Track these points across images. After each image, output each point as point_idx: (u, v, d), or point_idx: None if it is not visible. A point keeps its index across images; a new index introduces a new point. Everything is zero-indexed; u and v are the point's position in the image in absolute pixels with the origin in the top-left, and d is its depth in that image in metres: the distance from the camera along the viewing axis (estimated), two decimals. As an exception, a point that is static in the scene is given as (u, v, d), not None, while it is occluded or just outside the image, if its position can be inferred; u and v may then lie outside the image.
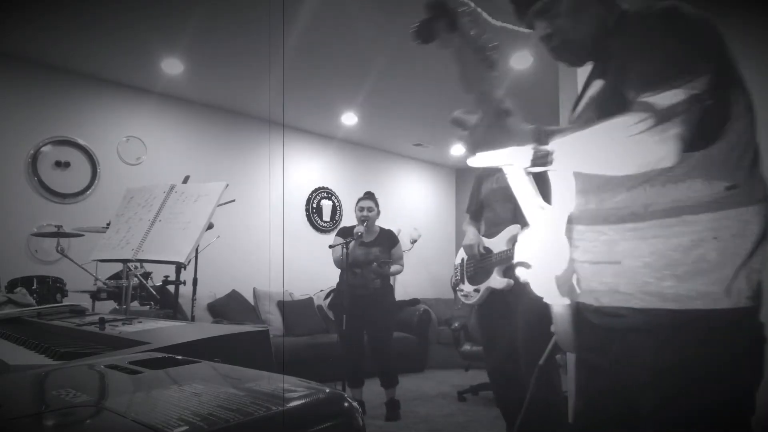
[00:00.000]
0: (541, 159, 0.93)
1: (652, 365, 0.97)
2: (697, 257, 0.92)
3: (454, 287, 2.93)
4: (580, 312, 1.13)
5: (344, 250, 3.62)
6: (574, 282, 1.12)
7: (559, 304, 1.15)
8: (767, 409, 1.02)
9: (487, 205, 2.78)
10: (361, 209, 3.84)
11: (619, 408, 1.06)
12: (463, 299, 2.82)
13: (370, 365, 3.86)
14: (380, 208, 3.92)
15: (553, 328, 1.20)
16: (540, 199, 1.16)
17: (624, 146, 0.90)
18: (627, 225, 1.00)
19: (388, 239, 3.93)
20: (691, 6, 0.97)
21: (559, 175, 1.16)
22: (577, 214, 1.10)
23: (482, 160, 0.95)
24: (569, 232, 1.12)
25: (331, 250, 3.84)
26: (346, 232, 3.80)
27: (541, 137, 0.93)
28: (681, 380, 0.94)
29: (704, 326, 0.93)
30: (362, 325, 3.76)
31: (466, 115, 0.98)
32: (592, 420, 1.13)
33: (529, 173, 1.04)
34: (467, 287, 2.79)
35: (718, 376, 0.93)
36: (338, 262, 3.77)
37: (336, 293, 4.00)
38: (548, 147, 0.92)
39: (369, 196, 3.91)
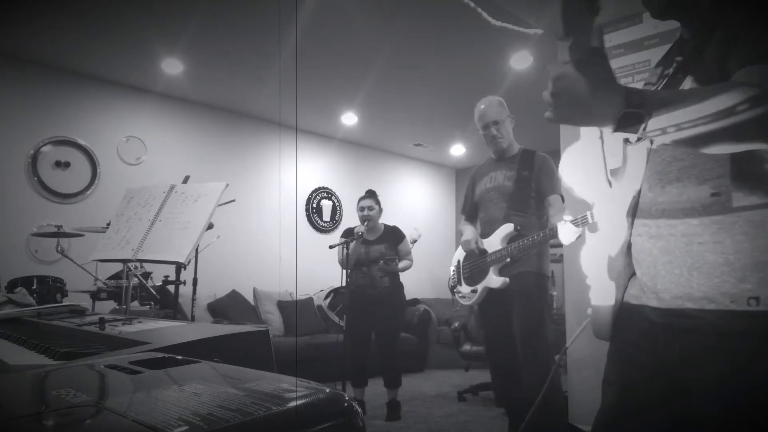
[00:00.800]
0: (631, 124, 0.82)
1: (720, 371, 0.89)
2: (757, 255, 0.84)
3: (452, 289, 2.93)
4: (632, 305, 1.05)
5: (345, 250, 3.62)
6: (633, 273, 1.05)
7: (603, 289, 1.08)
8: None
9: (482, 205, 2.79)
10: (362, 208, 3.84)
11: (668, 411, 1.00)
12: (461, 301, 2.83)
13: (373, 365, 3.86)
14: (381, 207, 3.92)
15: (589, 311, 1.14)
16: (607, 174, 1.09)
17: (725, 123, 0.79)
18: (704, 219, 0.91)
19: (394, 236, 3.92)
20: None
21: (635, 154, 1.06)
22: (643, 202, 1.02)
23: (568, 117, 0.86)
24: (631, 219, 1.05)
25: (334, 250, 3.83)
26: (349, 233, 3.81)
27: (633, 99, 0.81)
28: (749, 388, 0.87)
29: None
30: (370, 324, 3.76)
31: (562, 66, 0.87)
32: (628, 419, 1.06)
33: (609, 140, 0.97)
34: (464, 289, 2.80)
35: None
36: (342, 263, 3.78)
37: (340, 293, 4.00)
38: (642, 109, 0.81)
39: (370, 194, 3.91)
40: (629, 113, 0.81)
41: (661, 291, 0.97)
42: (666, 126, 0.82)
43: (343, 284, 3.69)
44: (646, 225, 1.01)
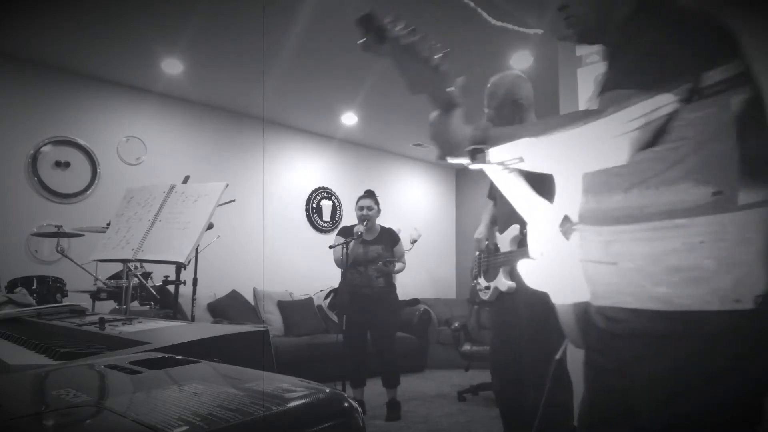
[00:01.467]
0: (476, 157, 0.98)
1: (650, 369, 0.96)
2: (691, 262, 0.91)
3: (474, 279, 2.86)
4: (587, 312, 1.12)
5: (344, 249, 3.62)
6: (582, 281, 1.12)
7: (561, 302, 1.15)
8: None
9: (500, 196, 2.71)
10: (361, 208, 3.84)
11: (620, 411, 1.05)
12: (480, 294, 2.78)
13: (371, 365, 3.86)
14: (380, 207, 3.92)
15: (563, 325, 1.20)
16: (534, 197, 1.17)
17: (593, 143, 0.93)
18: (622, 227, 0.98)
19: (390, 237, 3.93)
20: (707, 9, 0.96)
21: (562, 174, 1.16)
22: (581, 214, 1.10)
23: (450, 159, 1.02)
24: (569, 232, 1.13)
25: (332, 250, 3.84)
26: (347, 232, 3.81)
27: (477, 136, 0.97)
28: (676, 385, 0.93)
29: (700, 331, 0.91)
30: (366, 324, 3.76)
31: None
32: (596, 421, 1.12)
33: (507, 170, 1.07)
34: (483, 282, 2.74)
35: (715, 381, 0.90)
36: (339, 262, 3.78)
37: (337, 293, 4.01)
38: (484, 146, 0.97)
39: (369, 194, 3.91)
40: (474, 149, 0.98)
41: (597, 295, 1.04)
42: (511, 157, 0.97)
43: (346, 284, 3.69)
44: (581, 232, 1.09)
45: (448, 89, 1.02)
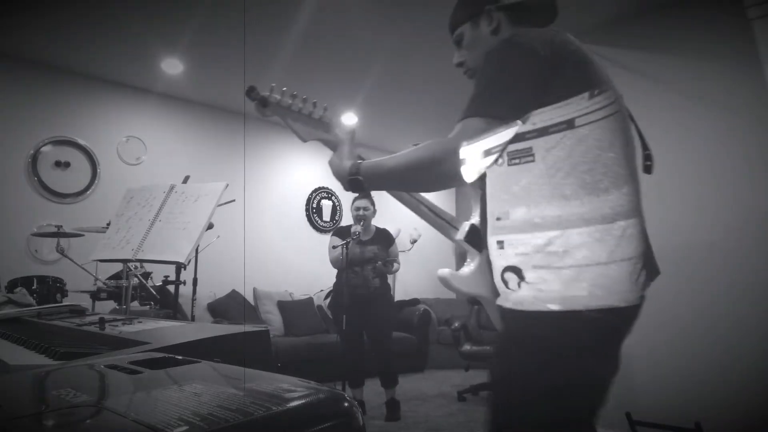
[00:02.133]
0: (356, 186, 1.17)
1: (496, 354, 1.17)
2: (547, 263, 1.04)
3: None
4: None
5: (345, 250, 3.63)
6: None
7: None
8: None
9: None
10: (357, 209, 3.85)
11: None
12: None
13: (370, 365, 3.87)
14: (376, 208, 3.94)
15: None
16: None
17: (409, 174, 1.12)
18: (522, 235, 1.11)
19: (386, 238, 3.94)
20: (530, 36, 1.07)
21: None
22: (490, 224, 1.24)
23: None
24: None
25: (329, 250, 3.85)
26: (344, 232, 3.81)
27: (352, 168, 1.17)
28: (504, 367, 1.09)
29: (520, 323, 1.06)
30: (362, 324, 3.76)
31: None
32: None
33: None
34: None
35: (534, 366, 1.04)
36: (337, 262, 3.78)
37: (335, 293, 4.01)
38: (357, 175, 1.16)
39: (365, 195, 3.92)
40: (351, 180, 1.16)
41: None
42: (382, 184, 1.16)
43: (346, 284, 3.69)
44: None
45: (330, 133, 1.29)
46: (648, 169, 1.20)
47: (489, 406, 1.10)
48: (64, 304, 2.17)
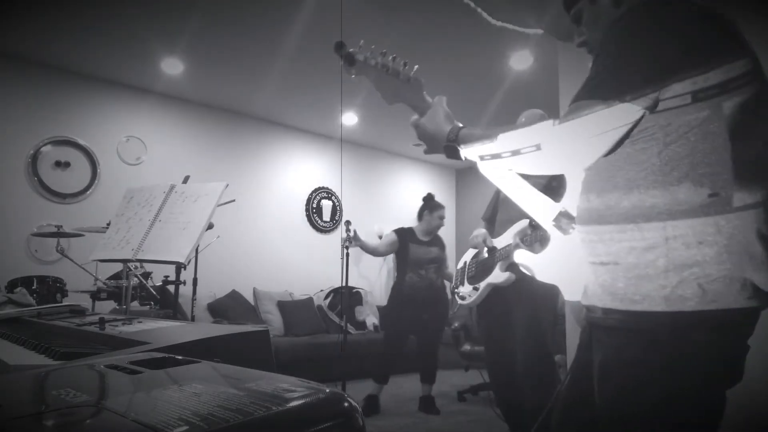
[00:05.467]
0: (452, 153, 1.10)
1: (600, 363, 1.02)
2: (648, 262, 0.93)
3: (453, 290, 2.92)
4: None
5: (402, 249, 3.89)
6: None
7: (568, 298, 1.21)
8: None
9: (501, 206, 2.73)
10: (441, 218, 4.09)
11: (580, 401, 1.11)
12: (460, 301, 2.80)
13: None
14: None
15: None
16: (537, 196, 1.22)
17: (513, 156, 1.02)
18: (603, 227, 1.00)
19: (442, 240, 4.15)
20: (653, 14, 0.96)
21: (570, 174, 1.19)
22: (578, 214, 1.11)
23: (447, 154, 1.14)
24: (566, 228, 1.18)
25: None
26: (405, 233, 4.03)
27: (450, 134, 1.11)
28: (620, 380, 0.97)
29: (640, 327, 0.94)
30: (416, 323, 3.87)
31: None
32: (561, 406, 1.18)
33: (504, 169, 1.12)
34: (465, 288, 2.76)
35: (655, 379, 0.93)
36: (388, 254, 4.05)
37: (339, 293, 4.08)
38: (455, 143, 1.10)
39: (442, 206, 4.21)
40: (447, 146, 1.11)
41: (585, 293, 1.08)
42: (482, 154, 1.06)
43: (344, 284, 3.70)
44: (578, 231, 1.13)
45: (420, 95, 1.22)
46: None
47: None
48: (64, 304, 2.17)
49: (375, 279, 6.65)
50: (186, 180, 3.21)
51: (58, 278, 3.56)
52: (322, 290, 5.87)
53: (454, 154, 1.10)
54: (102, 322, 1.35)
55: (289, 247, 5.92)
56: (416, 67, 1.24)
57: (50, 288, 3.46)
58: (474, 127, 1.09)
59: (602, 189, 1.01)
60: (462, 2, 3.20)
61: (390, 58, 1.22)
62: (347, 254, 3.65)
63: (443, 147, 1.12)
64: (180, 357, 0.78)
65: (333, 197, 6.51)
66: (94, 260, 2.70)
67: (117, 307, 3.50)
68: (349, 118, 5.87)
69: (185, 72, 4.70)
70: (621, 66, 0.94)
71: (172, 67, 4.58)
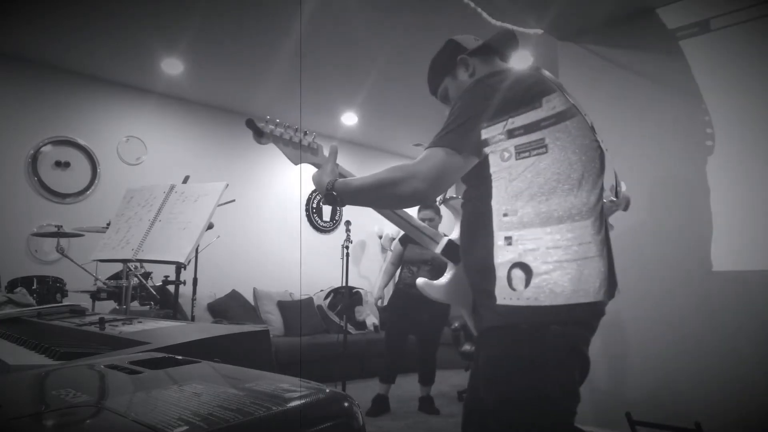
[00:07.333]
0: (330, 200, 1.30)
1: (483, 356, 1.19)
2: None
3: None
4: None
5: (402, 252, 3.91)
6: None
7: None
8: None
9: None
10: (423, 220, 4.01)
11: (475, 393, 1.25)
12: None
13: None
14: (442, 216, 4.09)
15: None
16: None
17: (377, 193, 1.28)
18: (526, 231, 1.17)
19: None
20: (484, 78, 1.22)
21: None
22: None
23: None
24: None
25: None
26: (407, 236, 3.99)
27: (329, 184, 1.29)
28: (494, 371, 1.13)
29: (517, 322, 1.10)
30: (415, 322, 3.88)
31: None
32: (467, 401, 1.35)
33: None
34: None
35: (527, 370, 1.08)
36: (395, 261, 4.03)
37: (340, 293, 4.07)
38: (332, 191, 1.30)
39: (428, 206, 4.07)
40: (326, 194, 1.30)
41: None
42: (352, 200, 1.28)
43: (344, 284, 3.70)
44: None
45: (318, 156, 1.52)
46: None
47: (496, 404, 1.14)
48: (64, 304, 2.16)
49: (375, 279, 6.65)
50: (186, 180, 3.21)
51: (58, 278, 3.56)
52: (322, 290, 5.87)
53: (332, 201, 1.29)
54: (102, 322, 1.35)
55: (289, 247, 5.92)
56: (314, 134, 1.56)
57: (50, 288, 3.46)
58: (353, 178, 1.31)
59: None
60: (462, 2, 3.20)
61: (292, 129, 1.52)
62: (347, 254, 3.66)
63: (324, 195, 1.31)
64: (180, 357, 0.78)
65: (333, 197, 6.51)
66: (94, 260, 2.70)
67: (117, 307, 3.50)
68: (349, 118, 5.87)
69: (185, 72, 4.70)
70: (463, 122, 1.18)
71: (172, 67, 4.58)
